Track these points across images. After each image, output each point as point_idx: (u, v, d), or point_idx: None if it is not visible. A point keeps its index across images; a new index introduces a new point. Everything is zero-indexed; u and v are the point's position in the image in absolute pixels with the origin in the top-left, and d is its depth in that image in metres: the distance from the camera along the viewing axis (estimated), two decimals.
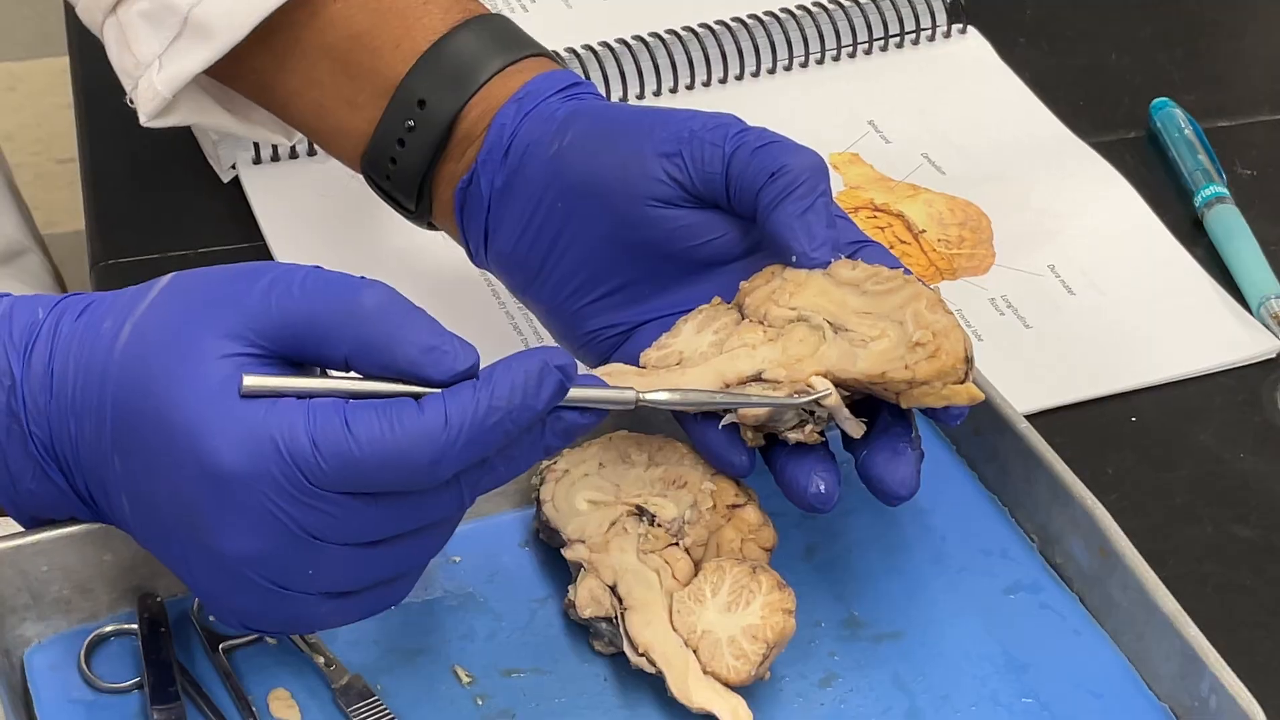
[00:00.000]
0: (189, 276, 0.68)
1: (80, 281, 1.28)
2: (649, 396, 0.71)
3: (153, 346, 0.66)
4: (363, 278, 0.67)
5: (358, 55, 0.86)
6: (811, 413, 0.73)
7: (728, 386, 0.74)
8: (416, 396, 0.65)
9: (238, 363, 0.65)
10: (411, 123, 0.84)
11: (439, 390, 0.65)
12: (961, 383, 0.72)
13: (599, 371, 0.76)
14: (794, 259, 0.74)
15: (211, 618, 0.75)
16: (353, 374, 0.66)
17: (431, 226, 0.88)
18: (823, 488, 0.74)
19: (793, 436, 0.73)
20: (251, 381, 0.64)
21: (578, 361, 0.69)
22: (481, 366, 0.66)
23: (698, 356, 0.75)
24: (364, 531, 0.66)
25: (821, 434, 0.74)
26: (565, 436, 0.68)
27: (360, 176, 0.89)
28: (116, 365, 0.66)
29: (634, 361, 0.77)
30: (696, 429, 0.76)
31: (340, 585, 0.68)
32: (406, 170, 0.85)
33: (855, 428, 0.73)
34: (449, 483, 0.66)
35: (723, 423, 0.75)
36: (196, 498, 0.65)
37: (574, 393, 0.67)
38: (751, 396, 0.73)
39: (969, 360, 0.72)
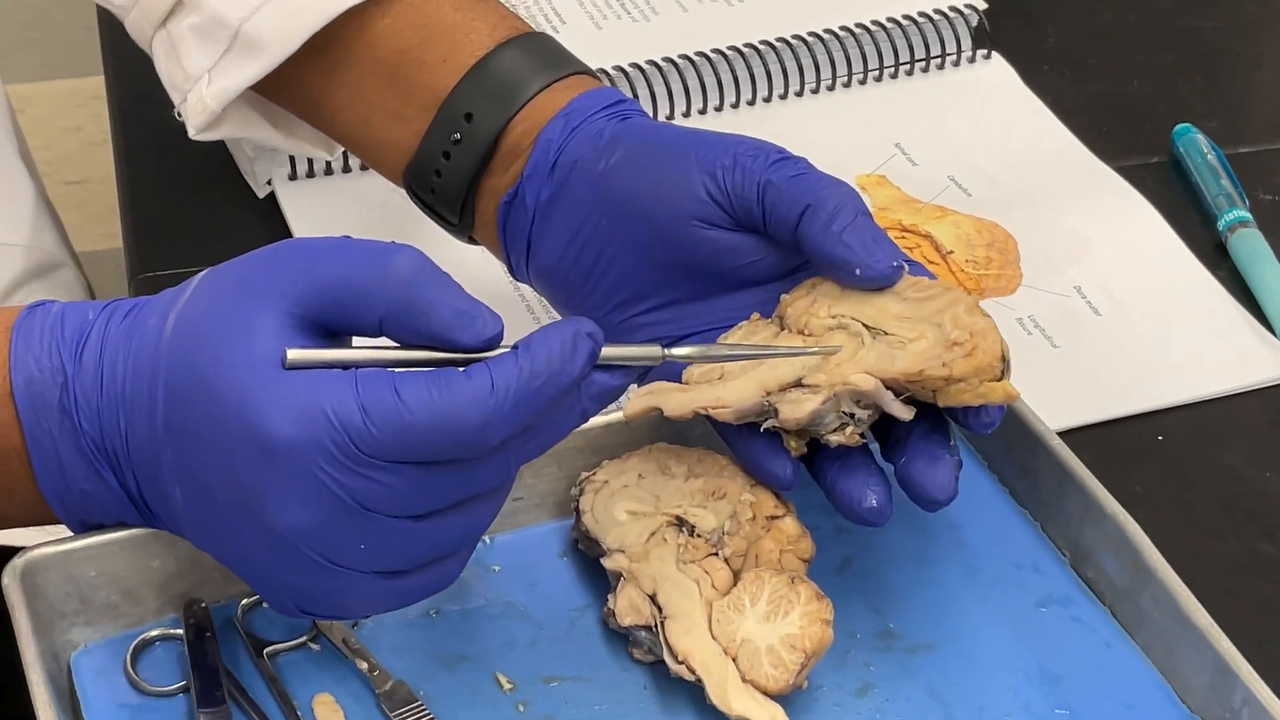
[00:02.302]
0: (224, 265, 0.70)
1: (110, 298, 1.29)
2: (674, 352, 0.71)
3: (197, 330, 0.67)
4: (393, 242, 0.68)
5: (405, 70, 0.87)
6: (852, 414, 0.74)
7: (768, 395, 0.75)
8: (458, 365, 0.66)
9: (280, 336, 0.66)
10: (457, 136, 0.85)
11: (481, 358, 0.66)
12: (998, 381, 0.73)
13: (643, 390, 0.78)
14: (858, 272, 0.75)
15: (264, 604, 0.75)
16: (386, 342, 0.67)
17: (472, 240, 0.89)
18: (875, 501, 0.75)
19: (834, 439, 0.74)
20: (295, 354, 0.66)
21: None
22: None
23: (738, 369, 0.76)
24: (415, 502, 0.67)
25: (862, 435, 0.75)
26: (599, 400, 0.69)
27: (396, 192, 0.91)
28: (164, 355, 0.68)
29: (676, 377, 0.78)
30: (739, 441, 0.77)
31: (392, 562, 0.68)
32: (451, 184, 0.86)
33: (904, 410, 0.74)
34: (496, 449, 0.67)
35: (763, 427, 0.76)
36: (249, 472, 0.66)
37: (605, 351, 0.69)
38: (779, 348, 0.75)
39: (1005, 360, 0.73)
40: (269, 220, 1.06)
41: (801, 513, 0.78)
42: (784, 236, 0.77)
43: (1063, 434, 0.84)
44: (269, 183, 1.07)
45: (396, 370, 0.66)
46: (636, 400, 0.78)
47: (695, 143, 0.80)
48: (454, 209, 0.87)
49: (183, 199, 1.09)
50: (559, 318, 0.86)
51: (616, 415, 0.81)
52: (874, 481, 0.75)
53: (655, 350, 0.71)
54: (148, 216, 1.08)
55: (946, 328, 0.73)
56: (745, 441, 0.77)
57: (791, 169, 0.78)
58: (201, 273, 0.70)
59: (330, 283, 0.67)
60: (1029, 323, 1.01)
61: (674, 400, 0.77)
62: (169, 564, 0.76)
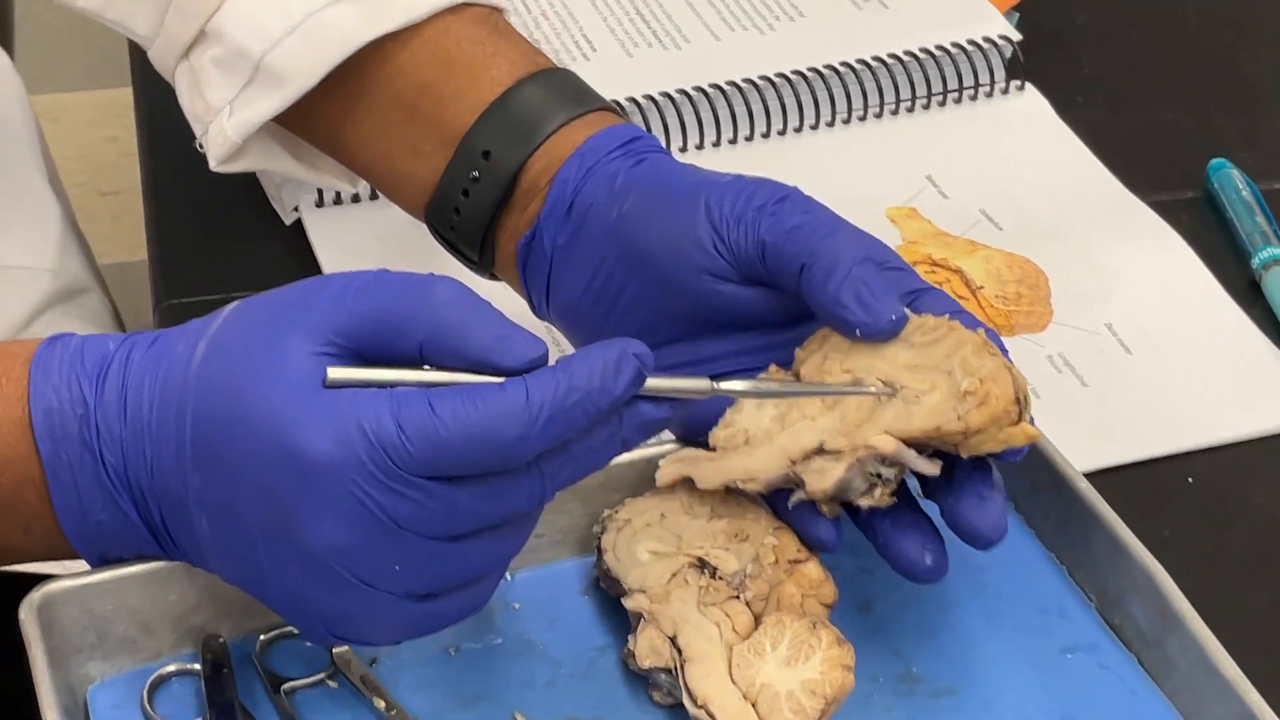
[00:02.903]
0: (258, 296, 0.70)
1: (134, 316, 1.30)
2: (723, 386, 0.71)
3: (231, 355, 0.67)
4: (431, 273, 0.68)
5: (425, 105, 0.87)
6: (879, 474, 0.73)
7: (793, 463, 0.74)
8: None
9: (318, 359, 0.66)
10: (476, 173, 0.85)
11: (518, 375, 0.66)
12: (1017, 424, 0.72)
13: (674, 457, 0.78)
14: (857, 332, 0.74)
15: (295, 632, 0.75)
16: (427, 368, 0.67)
17: (494, 276, 0.89)
18: (931, 560, 0.74)
19: (864, 502, 0.74)
20: (336, 373, 0.66)
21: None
22: None
23: (762, 434, 0.76)
24: (449, 523, 0.66)
25: (893, 495, 0.74)
26: (642, 430, 0.69)
27: (423, 224, 0.90)
28: (194, 380, 0.68)
29: (698, 425, 0.78)
30: (779, 504, 0.77)
31: (424, 584, 0.68)
32: (470, 221, 0.86)
33: (929, 466, 0.73)
34: (530, 470, 0.67)
35: (791, 502, 0.76)
36: (284, 491, 0.66)
37: (650, 382, 0.68)
38: (831, 386, 0.74)
39: (1020, 401, 0.72)
40: (296, 247, 1.06)
41: (825, 555, 0.77)
42: (791, 290, 0.77)
43: (1091, 474, 0.84)
44: (296, 209, 1.07)
45: (433, 388, 0.66)
46: (669, 468, 0.78)
47: (703, 192, 0.79)
48: (474, 246, 0.87)
49: (209, 225, 1.09)
50: None
51: (640, 452, 0.80)
52: (929, 540, 0.75)
53: (704, 383, 0.70)
54: (173, 243, 1.07)
55: (957, 375, 0.72)
56: (784, 504, 0.77)
57: (789, 220, 0.77)
58: (232, 304, 0.70)
59: (369, 311, 0.67)
60: (1059, 360, 1.00)
61: (705, 471, 0.77)
62: (187, 598, 0.75)
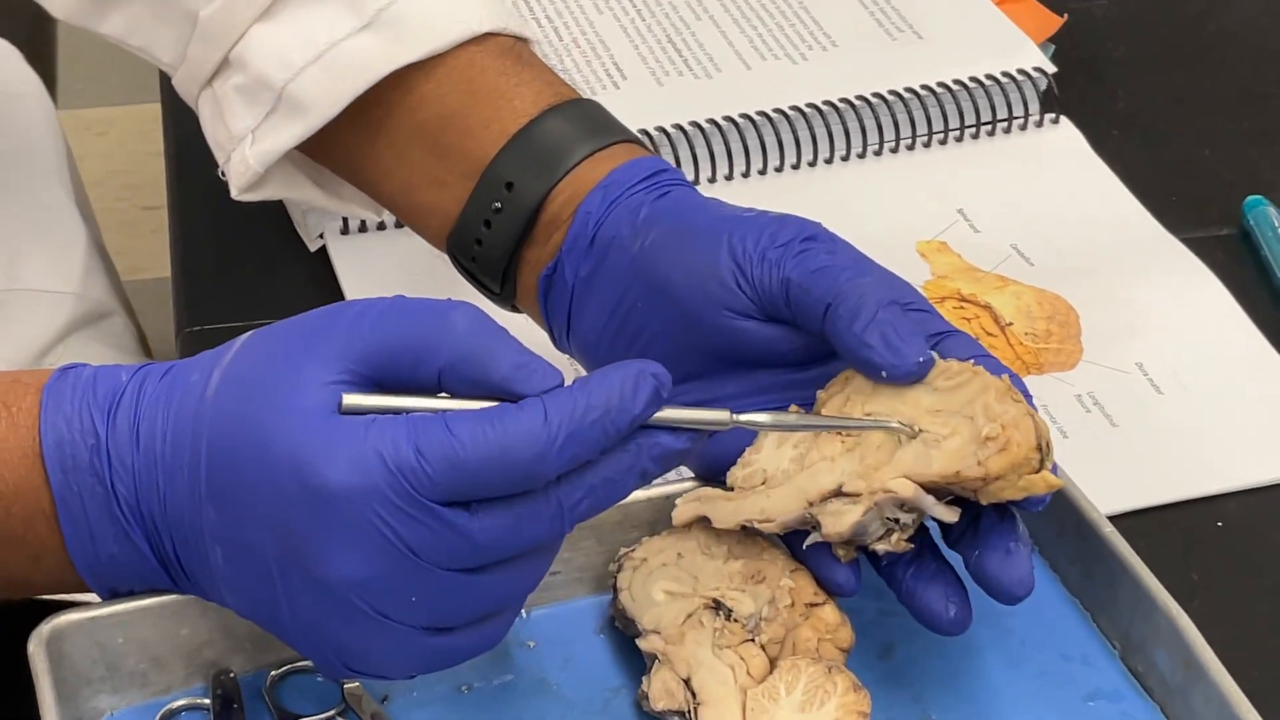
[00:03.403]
0: (272, 326, 0.70)
1: (160, 333, 1.29)
2: (743, 418, 0.70)
3: (246, 384, 0.67)
4: (450, 299, 0.68)
5: (448, 135, 0.86)
6: (896, 520, 0.72)
7: (810, 505, 0.73)
8: None
9: (334, 387, 0.66)
10: (498, 205, 0.84)
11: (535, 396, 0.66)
12: (1038, 471, 0.71)
13: (691, 496, 0.78)
14: (884, 375, 0.73)
15: (311, 665, 0.75)
16: (444, 395, 0.67)
17: (515, 308, 0.88)
18: (953, 612, 0.74)
19: (880, 548, 0.73)
20: (351, 400, 0.66)
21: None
22: None
23: (780, 475, 0.75)
24: (467, 552, 0.66)
25: (910, 540, 0.73)
26: (661, 462, 0.68)
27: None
28: (209, 411, 0.67)
29: (716, 463, 0.77)
30: (797, 547, 0.76)
31: (441, 617, 0.67)
32: (492, 252, 0.85)
33: (947, 513, 0.72)
34: (549, 500, 0.66)
35: (806, 544, 0.75)
36: (300, 522, 0.65)
37: (669, 413, 0.68)
38: (851, 420, 0.73)
39: (1042, 448, 0.71)
40: (320, 274, 1.06)
41: (842, 598, 0.76)
42: (814, 330, 0.76)
43: (1119, 517, 0.82)
44: (321, 236, 1.07)
45: (449, 412, 0.65)
46: (685, 507, 0.78)
47: (726, 227, 0.78)
48: (495, 278, 0.86)
49: (233, 250, 1.08)
50: None
51: (658, 489, 0.79)
52: (953, 591, 0.74)
53: (723, 415, 0.69)
54: (198, 268, 1.07)
55: (979, 420, 0.71)
56: (801, 548, 0.76)
57: (814, 260, 0.76)
58: (247, 333, 0.70)
59: (387, 338, 0.67)
60: (1088, 400, 0.99)
61: (722, 511, 0.76)
62: (199, 632, 0.75)
